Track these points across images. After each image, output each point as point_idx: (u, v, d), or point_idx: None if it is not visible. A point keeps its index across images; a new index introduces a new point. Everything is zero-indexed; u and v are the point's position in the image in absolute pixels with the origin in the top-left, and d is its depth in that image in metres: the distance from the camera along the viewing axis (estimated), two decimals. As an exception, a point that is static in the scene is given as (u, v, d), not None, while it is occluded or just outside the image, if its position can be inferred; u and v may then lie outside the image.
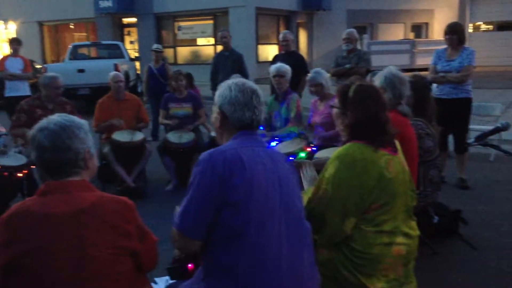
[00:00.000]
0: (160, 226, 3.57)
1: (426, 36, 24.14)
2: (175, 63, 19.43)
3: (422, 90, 3.71)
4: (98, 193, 1.85)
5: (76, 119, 1.90)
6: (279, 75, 5.29)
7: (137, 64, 16.57)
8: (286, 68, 5.34)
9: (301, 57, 6.77)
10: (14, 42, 7.81)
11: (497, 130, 2.75)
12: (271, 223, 1.95)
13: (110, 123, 5.55)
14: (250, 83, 2.17)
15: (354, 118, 2.41)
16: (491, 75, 17.91)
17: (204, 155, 1.99)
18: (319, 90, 4.87)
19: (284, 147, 4.70)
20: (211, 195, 1.91)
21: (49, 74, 5.24)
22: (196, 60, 20.36)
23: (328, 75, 4.99)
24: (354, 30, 6.69)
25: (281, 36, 7.12)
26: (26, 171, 4.46)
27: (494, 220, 4.44)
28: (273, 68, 5.46)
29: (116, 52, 14.91)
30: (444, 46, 5.44)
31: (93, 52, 16.72)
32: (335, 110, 2.58)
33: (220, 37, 7.61)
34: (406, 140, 2.83)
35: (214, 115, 2.16)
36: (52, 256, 1.69)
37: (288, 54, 6.71)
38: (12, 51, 7.80)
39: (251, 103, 2.08)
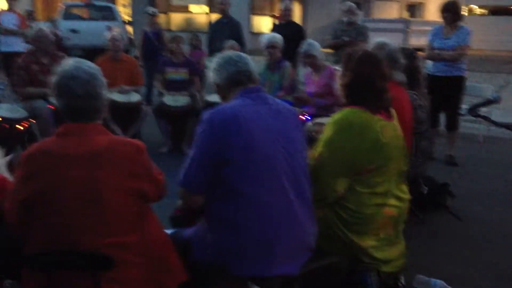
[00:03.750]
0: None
1: (421, 16, 24.12)
2: (168, 29, 19.19)
3: (413, 61, 3.77)
4: (111, 136, 1.95)
5: (94, 65, 1.96)
6: (272, 45, 5.33)
7: (129, 28, 16.35)
8: (277, 38, 5.37)
9: (300, 27, 6.80)
10: None
11: (488, 102, 2.85)
12: (271, 179, 2.05)
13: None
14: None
15: (349, 79, 2.49)
16: (483, 58, 18.03)
17: (204, 115, 2.10)
18: (312, 62, 4.90)
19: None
20: (210, 153, 2.03)
21: (36, 27, 5.23)
22: (189, 27, 20.15)
23: (319, 46, 5.03)
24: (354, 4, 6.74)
25: (282, 5, 7.10)
26: (26, 125, 4.51)
27: (481, 195, 4.60)
28: (265, 39, 5.47)
29: (109, 14, 14.64)
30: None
31: (85, 13, 16.43)
32: (339, 72, 2.65)
33: (218, 3, 7.57)
34: (400, 108, 2.90)
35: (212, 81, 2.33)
36: (69, 194, 1.79)
37: (288, 24, 6.73)
38: (8, 5, 7.69)
39: (231, 60, 2.24)
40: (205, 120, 2.08)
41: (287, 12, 6.82)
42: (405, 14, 24.18)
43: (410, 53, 3.68)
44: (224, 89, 2.28)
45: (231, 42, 6.05)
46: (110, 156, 1.86)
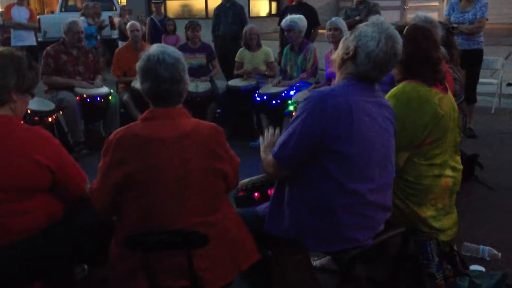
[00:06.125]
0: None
1: (417, -7, 23.99)
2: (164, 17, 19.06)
3: (448, 35, 3.83)
4: (194, 119, 2.01)
5: (177, 50, 2.01)
6: (288, 29, 5.41)
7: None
8: (294, 20, 5.41)
9: (312, 8, 6.79)
10: None
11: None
12: (367, 171, 2.06)
13: (129, 80, 5.65)
14: (398, 40, 2.06)
15: (406, 55, 2.51)
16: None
17: (317, 93, 2.00)
18: (336, 35, 4.94)
19: (302, 96, 4.83)
20: (313, 135, 1.97)
21: (69, 19, 5.25)
22: (186, 14, 20.01)
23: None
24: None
25: (294, -14, 7.10)
26: (54, 117, 4.55)
27: (505, 165, 4.69)
28: (283, 22, 5.56)
29: (107, 5, 14.49)
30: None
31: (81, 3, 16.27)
32: None
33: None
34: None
35: (345, 45, 2.10)
36: (161, 176, 1.85)
37: (299, 6, 6.73)
38: (17, 0, 7.65)
39: (385, 66, 2.04)
40: (315, 98, 1.98)
41: (298, -8, 6.81)
42: (401, -9, 24.03)
43: (446, 27, 3.74)
44: (351, 65, 2.07)
45: (250, 26, 6.07)
46: (196, 138, 1.92)
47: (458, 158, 2.69)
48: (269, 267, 2.35)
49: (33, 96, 2.20)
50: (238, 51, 6.11)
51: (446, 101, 2.52)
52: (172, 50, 1.99)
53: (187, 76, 2.01)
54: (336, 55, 2.17)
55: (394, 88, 2.54)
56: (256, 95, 5.38)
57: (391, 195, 2.24)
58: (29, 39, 7.52)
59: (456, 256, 2.72)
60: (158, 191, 1.85)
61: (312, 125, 1.96)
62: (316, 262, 2.88)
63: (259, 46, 6.02)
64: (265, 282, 2.41)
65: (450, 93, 2.62)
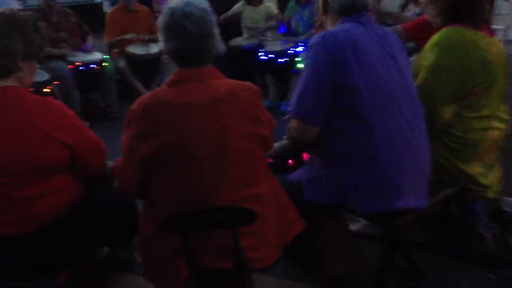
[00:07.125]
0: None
1: None
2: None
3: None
4: (227, 80, 1.74)
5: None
6: None
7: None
8: None
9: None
10: None
11: None
12: (392, 106, 1.89)
13: (122, 38, 5.27)
14: None
15: (447, 1, 2.28)
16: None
17: (315, 37, 1.91)
18: None
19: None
20: (326, 77, 1.85)
21: None
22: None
23: None
24: None
25: None
26: (51, 87, 4.27)
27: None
28: None
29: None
30: None
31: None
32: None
33: None
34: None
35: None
36: (197, 147, 1.60)
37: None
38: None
39: None
40: (315, 43, 1.89)
41: None
42: None
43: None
44: (330, 9, 2.08)
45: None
46: (233, 101, 1.66)
47: (504, 107, 2.47)
48: (306, 237, 2.16)
49: (39, 62, 1.92)
50: (238, 3, 5.70)
51: (493, 45, 2.29)
52: (199, 1, 1.69)
53: (217, 31, 1.72)
54: (319, 15, 2.22)
55: (436, 35, 2.30)
56: (261, 54, 5.08)
57: (426, 135, 2.03)
58: (11, 4, 7.08)
59: (502, 213, 2.55)
60: (194, 165, 1.61)
61: (322, 68, 1.86)
62: (352, 228, 2.69)
63: (261, 1, 5.64)
64: (304, 254, 2.22)
65: (496, 37, 2.38)
